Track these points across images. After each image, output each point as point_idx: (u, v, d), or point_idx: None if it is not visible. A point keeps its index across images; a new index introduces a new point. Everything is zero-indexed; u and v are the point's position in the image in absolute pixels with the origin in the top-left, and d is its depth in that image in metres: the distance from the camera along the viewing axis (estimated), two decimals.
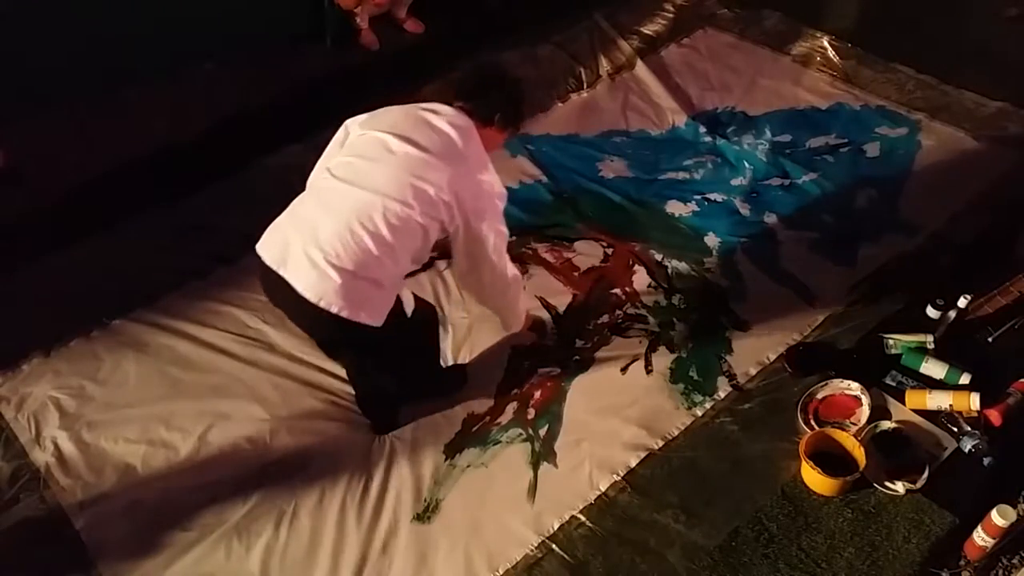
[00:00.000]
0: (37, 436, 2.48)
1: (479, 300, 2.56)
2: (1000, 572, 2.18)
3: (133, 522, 2.28)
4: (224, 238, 3.07)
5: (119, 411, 2.54)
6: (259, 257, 2.10)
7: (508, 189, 3.26)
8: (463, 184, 2.10)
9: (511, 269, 2.43)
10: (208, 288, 2.92)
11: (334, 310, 2.01)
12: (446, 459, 2.45)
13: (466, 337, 2.76)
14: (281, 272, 2.04)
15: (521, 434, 2.50)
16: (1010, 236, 3.09)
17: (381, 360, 2.36)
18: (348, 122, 2.22)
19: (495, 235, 2.25)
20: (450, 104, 2.19)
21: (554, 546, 2.24)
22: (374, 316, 2.07)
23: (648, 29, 4.24)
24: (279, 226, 2.13)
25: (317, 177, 2.19)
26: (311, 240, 2.01)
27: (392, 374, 2.44)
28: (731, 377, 2.66)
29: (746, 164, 3.47)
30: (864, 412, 2.47)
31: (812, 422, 2.48)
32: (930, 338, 2.65)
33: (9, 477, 2.38)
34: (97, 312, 2.80)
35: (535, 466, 2.42)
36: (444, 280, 2.94)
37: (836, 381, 2.56)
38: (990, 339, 2.69)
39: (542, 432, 2.50)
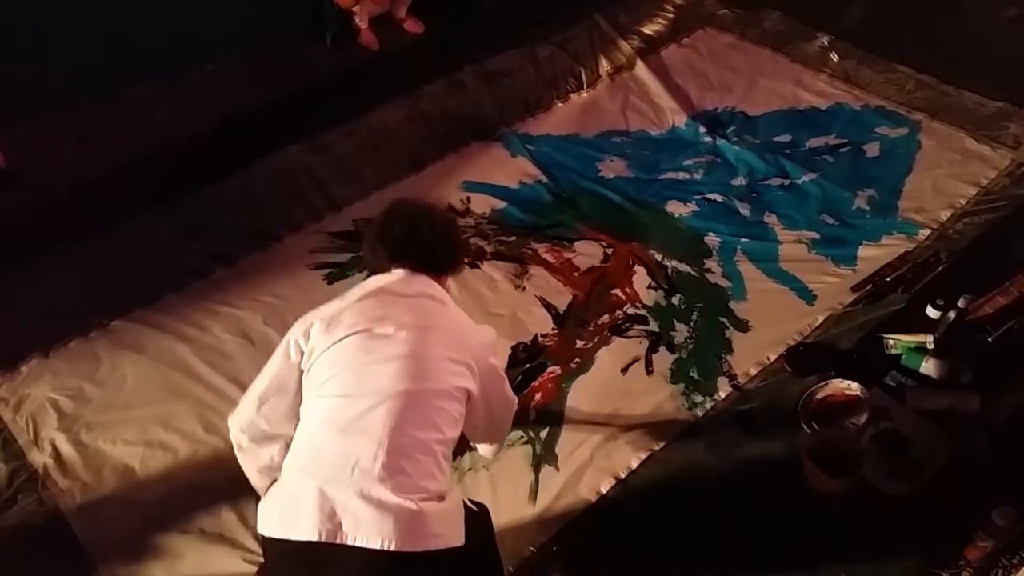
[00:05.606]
0: (35, 437, 2.47)
1: (491, 440, 2.29)
2: (1000, 572, 2.17)
3: (131, 524, 2.27)
4: (224, 238, 3.07)
5: (118, 412, 2.54)
6: (278, 543, 1.63)
7: (508, 189, 3.33)
8: (464, 333, 1.88)
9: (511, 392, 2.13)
10: (208, 289, 2.92)
11: (432, 546, 1.59)
12: None
13: None
14: (339, 540, 1.56)
15: (522, 436, 2.49)
16: (1010, 236, 3.09)
17: None
18: (296, 339, 1.81)
19: (500, 365, 2.01)
20: (389, 267, 1.91)
21: (555, 548, 2.23)
22: (458, 534, 1.68)
23: (648, 29, 4.24)
24: (293, 490, 1.67)
25: (312, 412, 1.75)
26: (361, 478, 1.60)
27: None
28: (731, 377, 2.65)
29: (746, 164, 3.47)
30: (864, 412, 2.47)
31: (812, 422, 2.47)
32: (930, 338, 2.65)
33: (7, 478, 2.37)
34: (96, 313, 2.80)
35: (536, 468, 2.42)
36: None
37: (836, 381, 2.55)
38: (990, 339, 2.68)
39: (543, 434, 2.50)
